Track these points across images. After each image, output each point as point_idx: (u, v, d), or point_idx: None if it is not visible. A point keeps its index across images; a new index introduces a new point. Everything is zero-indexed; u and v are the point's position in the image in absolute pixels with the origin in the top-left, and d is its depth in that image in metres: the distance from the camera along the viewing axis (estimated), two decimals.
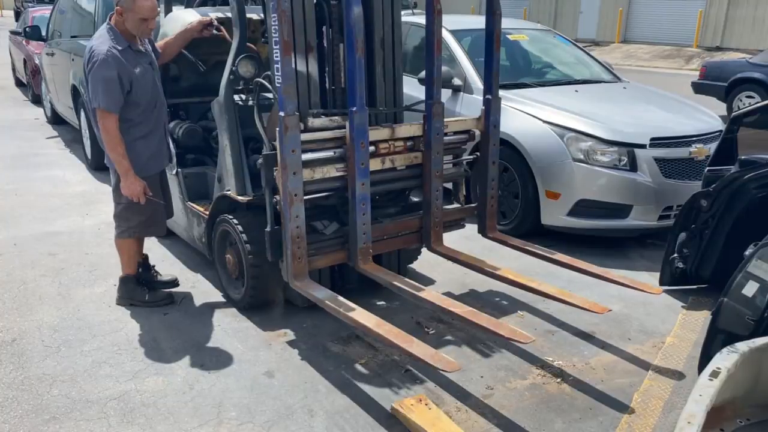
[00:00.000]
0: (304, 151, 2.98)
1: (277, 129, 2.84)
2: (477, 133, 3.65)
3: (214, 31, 3.73)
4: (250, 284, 3.40)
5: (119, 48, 3.16)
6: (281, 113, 2.81)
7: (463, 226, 3.84)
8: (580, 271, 3.38)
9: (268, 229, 3.09)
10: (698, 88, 9.66)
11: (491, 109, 3.57)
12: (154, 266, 3.80)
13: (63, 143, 7.72)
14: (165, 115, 3.52)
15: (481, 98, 3.63)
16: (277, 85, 2.81)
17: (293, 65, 3.06)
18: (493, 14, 3.45)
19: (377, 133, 3.21)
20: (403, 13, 3.62)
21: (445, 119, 3.38)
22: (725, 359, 1.85)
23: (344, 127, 3.07)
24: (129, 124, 3.26)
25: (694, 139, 4.48)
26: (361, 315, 2.75)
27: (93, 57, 3.12)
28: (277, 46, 2.76)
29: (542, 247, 3.58)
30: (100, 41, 3.17)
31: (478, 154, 3.70)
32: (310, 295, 2.98)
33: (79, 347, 3.17)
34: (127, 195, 3.28)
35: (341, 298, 2.89)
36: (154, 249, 4.25)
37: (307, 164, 3.00)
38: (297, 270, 3.03)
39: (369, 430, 2.58)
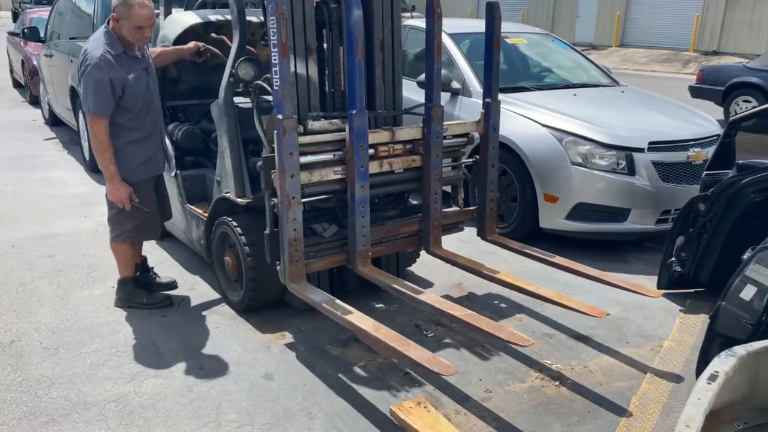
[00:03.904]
0: (304, 154, 2.99)
1: (275, 132, 2.83)
2: (476, 136, 3.66)
3: (211, 41, 3.81)
4: (248, 287, 3.40)
5: (113, 53, 3.15)
6: (279, 116, 2.80)
7: (462, 229, 3.85)
8: (578, 274, 3.38)
9: (267, 231, 3.09)
10: (695, 92, 9.69)
11: (491, 113, 3.57)
12: (152, 268, 3.80)
13: (61, 145, 7.71)
14: (161, 121, 3.52)
15: (480, 101, 3.65)
16: (275, 88, 2.80)
17: (293, 68, 3.07)
18: (493, 18, 3.46)
19: (377, 136, 3.22)
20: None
21: (444, 122, 3.39)
22: (723, 363, 1.85)
23: (344, 130, 3.08)
24: (120, 128, 3.25)
25: (692, 143, 4.50)
26: (358, 318, 2.75)
27: (86, 60, 3.13)
28: (276, 49, 2.76)
29: (540, 250, 3.59)
30: (95, 45, 3.16)
31: (477, 157, 3.71)
32: (308, 298, 2.97)
33: (77, 349, 3.16)
34: (112, 200, 3.27)
35: (338, 302, 2.89)
36: (152, 251, 4.24)
37: (307, 167, 3.00)
38: (294, 273, 3.03)
39: None
